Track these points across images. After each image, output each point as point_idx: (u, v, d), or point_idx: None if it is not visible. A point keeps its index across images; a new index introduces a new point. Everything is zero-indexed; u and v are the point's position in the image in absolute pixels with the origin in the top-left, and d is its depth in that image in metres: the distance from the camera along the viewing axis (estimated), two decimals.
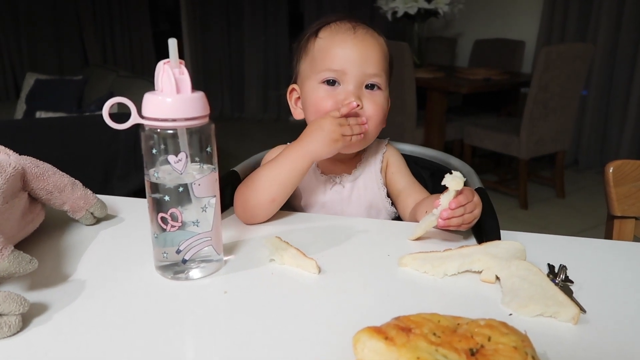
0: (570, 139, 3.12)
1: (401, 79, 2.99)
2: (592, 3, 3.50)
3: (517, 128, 2.94)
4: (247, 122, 5.45)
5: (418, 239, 0.70)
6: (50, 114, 2.86)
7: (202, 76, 5.56)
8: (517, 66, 3.70)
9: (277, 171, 0.75)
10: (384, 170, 0.89)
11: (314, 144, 0.73)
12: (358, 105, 0.76)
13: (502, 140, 3.03)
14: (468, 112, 3.57)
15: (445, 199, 0.65)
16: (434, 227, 0.68)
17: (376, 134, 0.83)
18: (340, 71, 0.78)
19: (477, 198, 0.68)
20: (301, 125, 0.83)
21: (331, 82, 0.79)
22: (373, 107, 0.79)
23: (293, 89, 0.88)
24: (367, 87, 0.79)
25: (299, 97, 0.86)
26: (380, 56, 0.80)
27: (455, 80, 3.11)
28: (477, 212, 0.68)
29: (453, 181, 0.65)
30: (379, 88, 0.80)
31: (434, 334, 0.43)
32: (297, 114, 0.87)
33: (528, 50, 3.77)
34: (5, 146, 0.69)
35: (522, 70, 3.71)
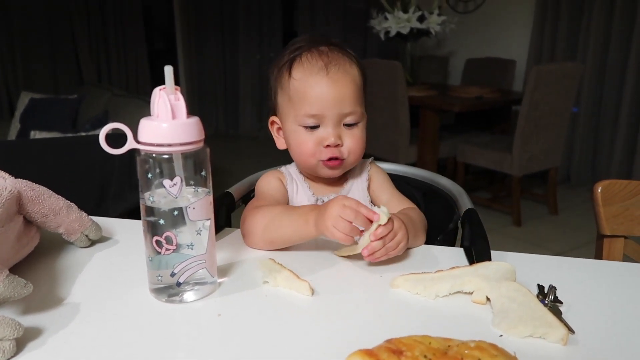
0: (561, 155, 3.16)
1: (394, 98, 3.03)
2: (580, 23, 3.58)
3: (509, 145, 2.98)
4: (242, 140, 5.47)
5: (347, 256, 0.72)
6: (44, 133, 2.87)
7: (197, 94, 5.60)
8: (508, 84, 3.75)
9: (287, 227, 0.73)
10: (371, 188, 0.90)
11: (328, 231, 0.67)
12: (338, 145, 0.81)
13: (495, 158, 3.06)
14: (461, 130, 3.61)
15: (367, 233, 0.67)
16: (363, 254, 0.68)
17: (356, 162, 0.86)
18: (319, 115, 0.80)
19: (397, 224, 0.68)
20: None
21: (311, 127, 0.81)
22: (352, 141, 0.82)
23: (273, 121, 0.89)
24: (345, 125, 0.81)
25: (280, 128, 0.88)
26: (354, 92, 0.81)
27: (448, 99, 3.15)
28: (400, 236, 0.68)
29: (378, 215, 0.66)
30: (356, 122, 0.82)
31: (425, 356, 0.44)
32: (280, 144, 0.89)
33: (519, 68, 3.83)
34: (0, 167, 0.70)
35: (513, 88, 3.77)
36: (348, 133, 0.82)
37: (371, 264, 0.70)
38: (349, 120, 0.81)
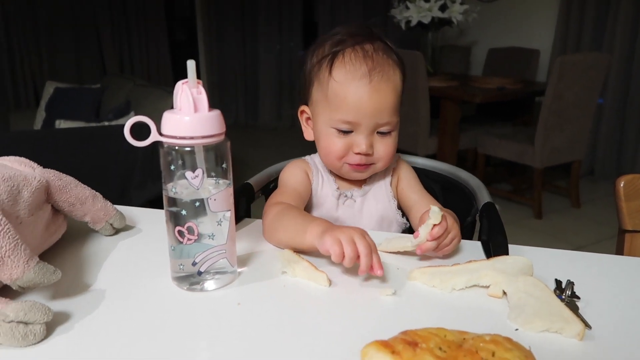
0: (585, 148, 3.10)
1: (415, 88, 3.00)
2: (607, 12, 3.48)
3: (531, 137, 2.93)
4: (261, 130, 5.50)
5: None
6: (69, 123, 2.93)
7: (217, 84, 5.63)
8: (531, 75, 3.69)
9: (290, 235, 0.71)
10: (395, 183, 0.90)
11: (333, 237, 0.62)
12: (367, 154, 0.80)
13: (517, 150, 3.02)
14: (482, 121, 3.56)
15: (423, 232, 0.67)
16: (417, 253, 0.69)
17: (385, 167, 0.86)
18: (354, 122, 0.79)
19: (450, 221, 0.69)
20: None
21: (344, 131, 0.80)
22: (384, 149, 0.82)
23: (303, 111, 0.88)
24: (378, 133, 0.81)
25: (309, 118, 0.87)
26: (394, 102, 0.79)
27: (469, 89, 3.11)
28: (453, 234, 0.69)
29: (432, 216, 0.67)
30: (390, 131, 0.81)
31: (440, 349, 0.45)
32: (308, 134, 0.88)
33: (543, 58, 3.75)
34: (26, 155, 0.72)
35: (536, 79, 3.70)
36: (380, 141, 0.81)
37: (387, 255, 0.71)
38: (383, 129, 0.80)
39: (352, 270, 0.67)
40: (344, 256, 0.61)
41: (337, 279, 0.64)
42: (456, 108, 3.09)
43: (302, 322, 0.55)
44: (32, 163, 0.71)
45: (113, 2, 4.89)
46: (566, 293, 0.59)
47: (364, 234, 0.63)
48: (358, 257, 0.61)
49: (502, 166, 3.67)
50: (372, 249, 0.62)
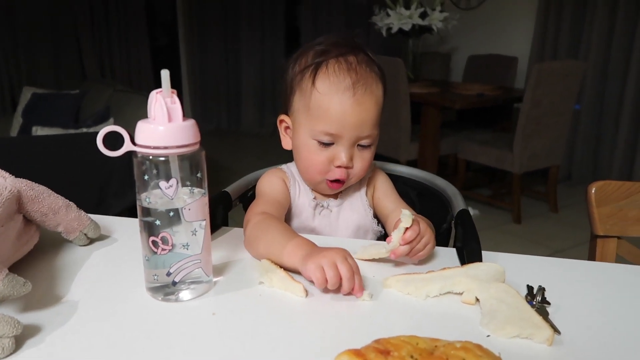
0: (562, 153, 3.16)
1: (396, 94, 3.03)
2: (583, 21, 3.57)
3: (510, 143, 2.98)
4: (243, 136, 5.48)
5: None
6: (46, 129, 2.88)
7: (199, 90, 5.59)
8: (510, 82, 3.75)
9: (270, 252, 0.70)
10: (370, 193, 0.91)
11: (315, 263, 0.62)
12: (348, 167, 0.81)
13: (496, 155, 3.06)
14: (462, 127, 3.61)
15: (395, 236, 0.68)
16: (391, 258, 0.70)
17: (357, 181, 0.87)
18: (336, 135, 0.79)
19: (423, 226, 0.70)
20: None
21: (326, 143, 0.80)
22: (361, 164, 0.82)
23: (282, 120, 0.87)
24: (358, 145, 0.81)
25: (288, 127, 0.87)
26: (376, 115, 0.80)
27: (450, 96, 3.15)
28: (426, 239, 0.70)
29: (403, 219, 0.68)
30: (370, 144, 0.82)
31: (412, 357, 0.45)
32: (286, 143, 0.88)
33: (521, 66, 3.82)
34: (2, 163, 0.71)
35: (515, 85, 3.76)
36: (359, 155, 0.82)
37: (363, 263, 0.71)
38: (364, 142, 0.81)
39: None
40: (327, 281, 0.61)
41: (314, 289, 0.64)
42: (437, 114, 3.12)
43: (277, 333, 0.55)
44: (3, 172, 0.69)
45: (94, 5, 4.84)
46: (537, 299, 0.60)
47: (346, 256, 0.62)
48: (341, 279, 0.61)
49: (482, 172, 3.71)
50: (354, 271, 0.62)
